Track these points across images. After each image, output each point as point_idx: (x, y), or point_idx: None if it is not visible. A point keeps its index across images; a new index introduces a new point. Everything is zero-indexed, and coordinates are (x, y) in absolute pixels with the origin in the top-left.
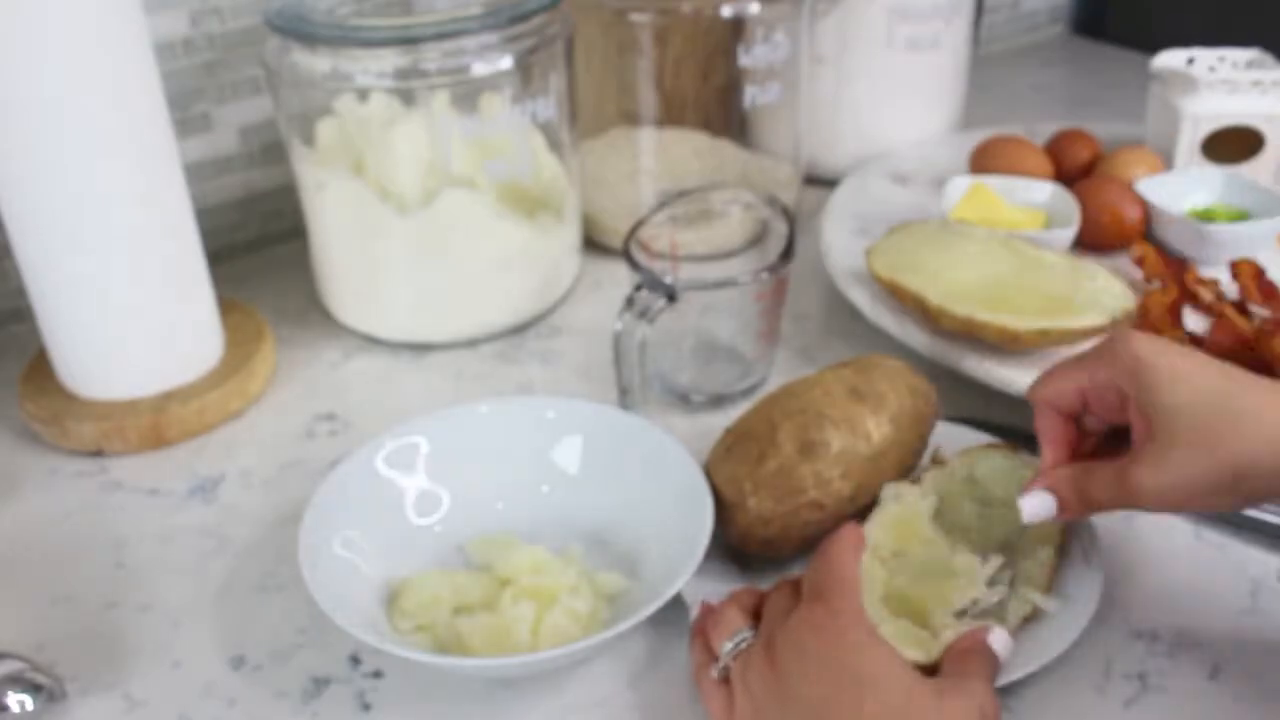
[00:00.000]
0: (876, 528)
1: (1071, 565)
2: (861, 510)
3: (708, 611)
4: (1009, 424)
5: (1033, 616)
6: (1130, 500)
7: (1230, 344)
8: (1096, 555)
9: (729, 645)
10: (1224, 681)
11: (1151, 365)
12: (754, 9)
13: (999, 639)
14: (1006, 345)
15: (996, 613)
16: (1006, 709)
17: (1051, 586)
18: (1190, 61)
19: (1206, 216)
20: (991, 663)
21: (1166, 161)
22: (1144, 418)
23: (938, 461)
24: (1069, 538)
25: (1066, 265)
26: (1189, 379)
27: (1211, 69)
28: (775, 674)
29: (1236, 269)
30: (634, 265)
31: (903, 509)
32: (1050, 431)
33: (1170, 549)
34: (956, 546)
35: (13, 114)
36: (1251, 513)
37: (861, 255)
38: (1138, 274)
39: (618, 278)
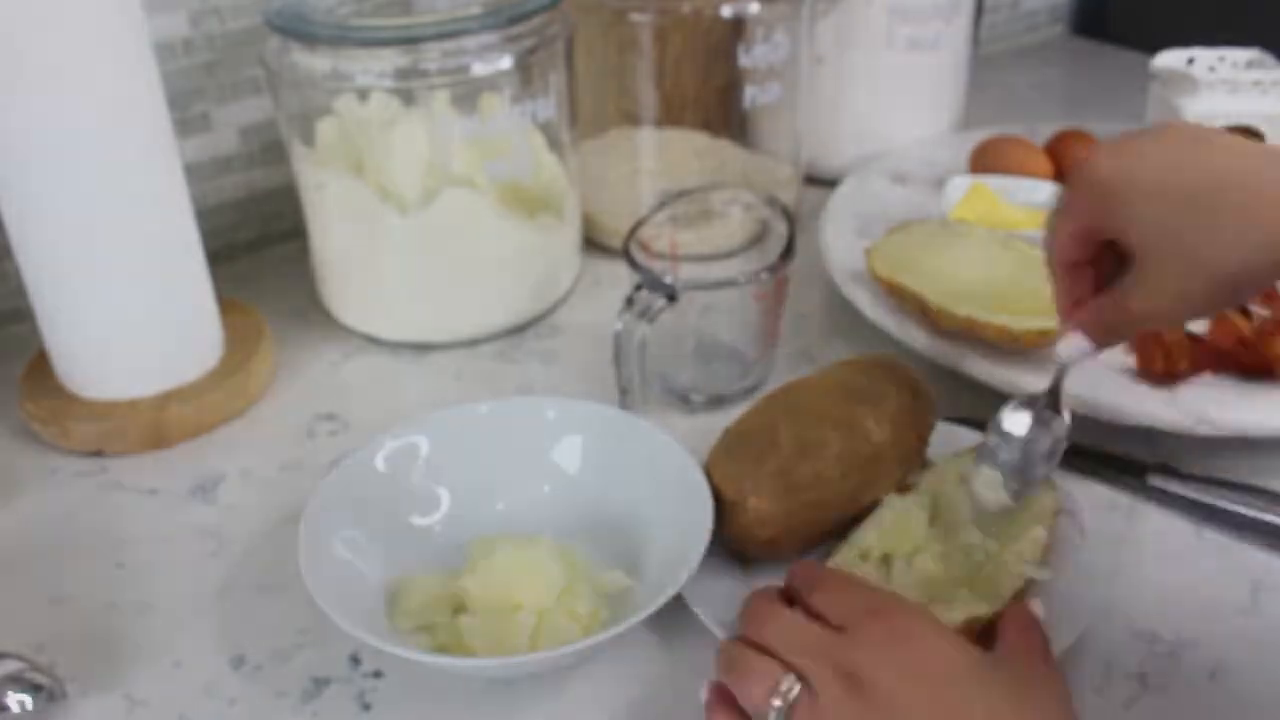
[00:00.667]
0: (871, 532)
1: (1066, 545)
2: (862, 510)
3: (727, 669)
4: None
5: (1025, 591)
6: (1135, 323)
7: (1229, 344)
8: (1084, 535)
9: (779, 702)
10: (1224, 682)
11: (1118, 190)
12: (754, 9)
13: (1039, 609)
14: (1006, 345)
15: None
16: None
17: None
18: (1190, 61)
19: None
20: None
21: None
22: (1127, 239)
23: (927, 466)
24: (1059, 518)
25: None
26: (1160, 192)
27: (1211, 69)
28: (871, 703)
29: None
30: (634, 265)
31: (896, 514)
32: (1062, 281)
33: (1170, 550)
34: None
35: (13, 115)
36: (1253, 513)
37: (861, 255)
38: None
39: (618, 277)
